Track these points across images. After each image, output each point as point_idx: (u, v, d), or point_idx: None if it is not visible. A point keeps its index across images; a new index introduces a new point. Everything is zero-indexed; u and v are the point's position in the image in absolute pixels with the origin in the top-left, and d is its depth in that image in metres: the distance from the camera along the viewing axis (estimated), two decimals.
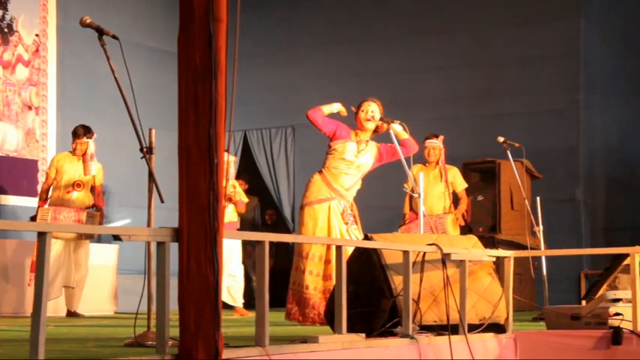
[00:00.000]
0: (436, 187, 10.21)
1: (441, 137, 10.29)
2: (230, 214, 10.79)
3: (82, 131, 9.93)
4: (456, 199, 10.45)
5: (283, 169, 14.77)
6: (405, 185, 10.16)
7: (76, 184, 9.91)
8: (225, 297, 10.69)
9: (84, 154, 9.93)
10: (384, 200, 11.93)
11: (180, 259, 3.68)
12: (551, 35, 13.03)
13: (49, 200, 9.89)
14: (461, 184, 10.46)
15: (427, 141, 10.26)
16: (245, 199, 11.06)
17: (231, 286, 10.70)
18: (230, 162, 10.81)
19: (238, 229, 11.37)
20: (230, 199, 10.67)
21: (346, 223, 7.90)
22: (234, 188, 10.70)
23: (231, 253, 10.53)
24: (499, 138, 9.66)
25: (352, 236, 7.81)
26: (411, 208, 10.39)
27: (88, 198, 10.02)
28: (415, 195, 7.79)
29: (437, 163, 10.28)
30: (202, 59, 3.64)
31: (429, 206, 10.07)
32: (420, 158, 10.10)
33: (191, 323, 3.63)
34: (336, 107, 8.12)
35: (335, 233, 7.86)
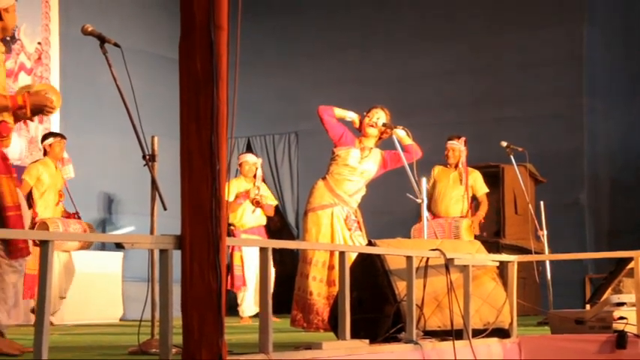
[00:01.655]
0: (455, 190, 10.11)
1: (463, 139, 10.18)
2: (258, 218, 10.66)
3: (59, 134, 9.96)
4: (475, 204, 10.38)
5: (287, 175, 14.77)
6: (427, 186, 10.16)
7: (60, 194, 9.88)
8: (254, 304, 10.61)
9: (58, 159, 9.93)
10: (386, 206, 11.93)
11: (183, 266, 3.68)
12: (554, 40, 13.03)
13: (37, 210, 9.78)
14: (482, 189, 10.33)
15: (448, 142, 10.19)
16: (273, 202, 10.88)
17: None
18: (252, 163, 10.74)
19: (272, 234, 11.31)
20: (257, 203, 10.57)
21: (349, 229, 7.90)
22: (258, 189, 10.56)
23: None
24: (502, 143, 9.65)
25: (356, 242, 7.81)
26: (429, 209, 10.32)
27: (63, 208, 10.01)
28: (418, 201, 7.76)
29: (457, 165, 10.19)
30: (203, 66, 3.64)
31: (445, 208, 10.06)
32: (441, 160, 10.10)
33: (194, 330, 3.63)
34: (350, 115, 8.10)
35: (338, 239, 7.86)
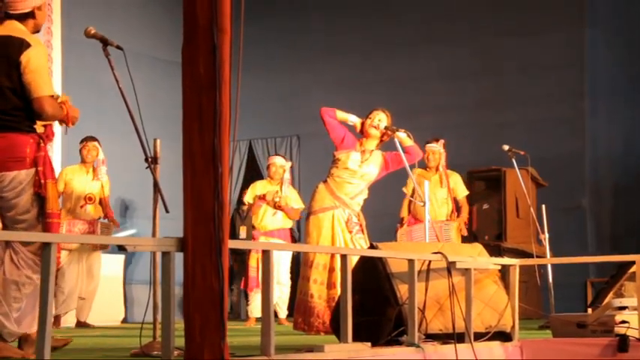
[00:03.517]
0: (437, 193, 10.12)
1: (442, 141, 10.20)
2: (280, 221, 10.59)
3: (89, 137, 10.04)
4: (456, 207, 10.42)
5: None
6: (404, 189, 10.16)
7: (87, 198, 9.96)
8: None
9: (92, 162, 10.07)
10: (387, 208, 11.90)
11: (185, 268, 3.68)
12: (556, 43, 13.04)
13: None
14: (462, 192, 10.40)
15: (427, 145, 10.19)
16: (296, 206, 10.68)
17: (279, 296, 10.56)
18: (285, 167, 10.70)
19: (293, 237, 11.25)
20: (277, 206, 10.50)
21: (350, 232, 7.91)
22: (276, 193, 10.53)
23: (279, 261, 10.37)
24: (504, 146, 9.63)
25: (357, 245, 7.81)
26: (410, 212, 10.34)
27: (98, 210, 10.09)
28: (420, 204, 7.77)
29: (437, 169, 10.20)
30: (206, 70, 3.65)
31: (431, 212, 10.04)
32: (421, 163, 10.08)
33: (196, 333, 3.64)
34: (352, 119, 8.10)
35: (339, 241, 7.87)
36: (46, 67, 4.96)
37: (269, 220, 10.53)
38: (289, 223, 10.76)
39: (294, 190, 11.08)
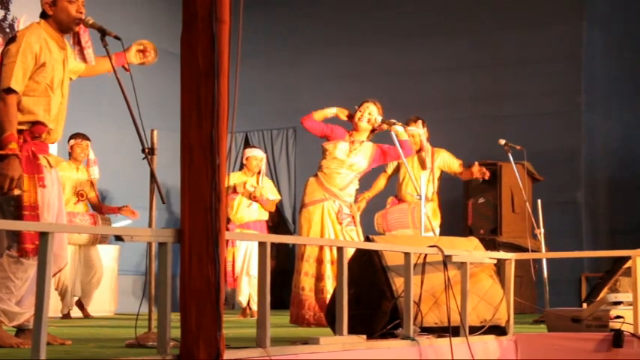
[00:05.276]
0: (419, 173, 9.77)
1: (420, 122, 9.80)
2: (255, 212, 10.53)
3: (82, 135, 9.96)
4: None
5: (284, 170, 14.75)
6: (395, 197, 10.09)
7: (79, 194, 9.90)
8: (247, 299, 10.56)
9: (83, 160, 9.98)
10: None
11: (182, 259, 3.68)
12: (553, 37, 13.02)
13: None
14: (455, 162, 9.96)
15: (407, 128, 9.74)
16: (273, 197, 10.70)
17: (253, 287, 10.48)
18: (259, 159, 10.66)
19: (269, 229, 11.19)
20: (251, 197, 10.44)
21: (340, 223, 7.93)
22: (245, 183, 10.43)
23: (251, 253, 10.33)
24: (500, 141, 9.61)
25: (347, 237, 7.84)
26: (395, 195, 10.09)
27: (87, 206, 10.03)
28: (416, 197, 7.78)
29: (418, 151, 9.77)
30: (205, 60, 3.65)
31: (414, 194, 9.91)
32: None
33: (192, 324, 3.64)
34: (330, 112, 8.16)
35: (328, 233, 7.89)
36: (11, 63, 4.92)
37: (244, 212, 10.47)
38: (265, 215, 10.69)
39: (270, 180, 11.05)
